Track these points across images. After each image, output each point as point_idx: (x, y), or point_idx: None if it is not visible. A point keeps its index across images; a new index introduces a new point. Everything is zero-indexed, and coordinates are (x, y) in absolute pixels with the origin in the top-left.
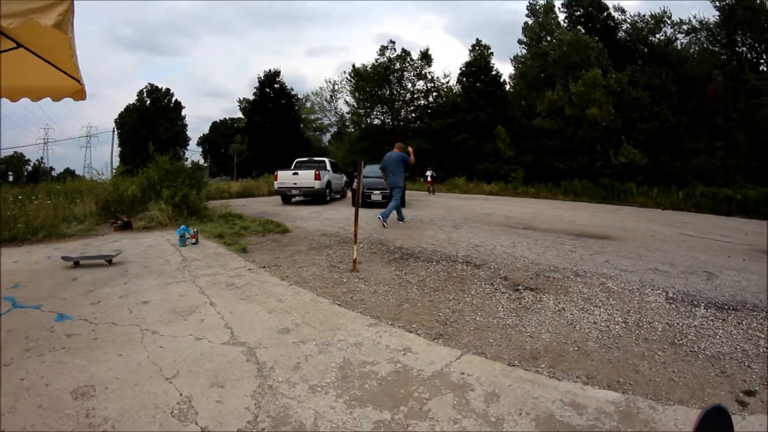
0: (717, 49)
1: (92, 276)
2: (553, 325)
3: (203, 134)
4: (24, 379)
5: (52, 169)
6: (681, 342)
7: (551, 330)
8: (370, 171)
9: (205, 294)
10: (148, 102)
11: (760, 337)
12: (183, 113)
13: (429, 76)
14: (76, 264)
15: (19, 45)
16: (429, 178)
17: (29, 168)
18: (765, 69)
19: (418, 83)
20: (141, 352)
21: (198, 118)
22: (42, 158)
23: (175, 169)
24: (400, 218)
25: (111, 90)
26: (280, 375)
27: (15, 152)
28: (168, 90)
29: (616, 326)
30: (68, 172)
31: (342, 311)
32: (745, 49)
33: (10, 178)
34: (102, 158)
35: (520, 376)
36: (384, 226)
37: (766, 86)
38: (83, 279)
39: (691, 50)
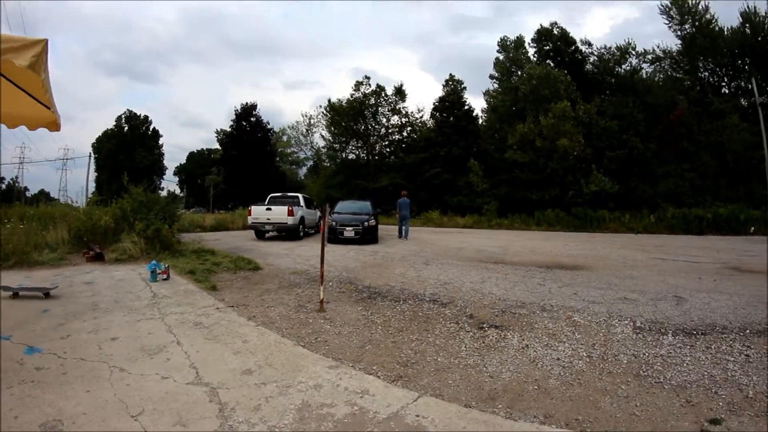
0: (680, 75)
1: (63, 308)
2: (514, 364)
3: (180, 164)
4: None
5: (26, 189)
6: (646, 373)
7: (512, 369)
8: (344, 207)
9: (172, 333)
10: (126, 128)
11: (729, 360)
12: (160, 141)
13: (403, 111)
14: (15, 295)
15: None
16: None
17: (3, 186)
18: (727, 91)
19: (392, 118)
20: (108, 389)
21: (175, 147)
22: (17, 177)
23: (149, 200)
24: (406, 236)
25: (90, 113)
26: (240, 416)
27: None
28: (146, 117)
29: (580, 361)
30: (43, 194)
31: (305, 353)
32: (707, 74)
33: None
34: (78, 182)
35: (475, 417)
36: (405, 238)
37: (728, 108)
38: (55, 311)
39: (656, 78)
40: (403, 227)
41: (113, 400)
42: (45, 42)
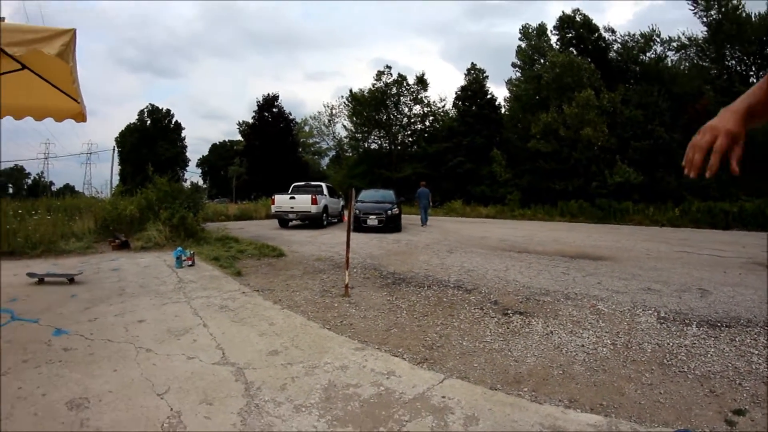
0: (706, 64)
1: (90, 293)
2: (539, 349)
3: (203, 156)
4: (21, 388)
5: (52, 184)
6: (670, 362)
7: (537, 354)
8: (367, 196)
9: (198, 315)
10: (149, 122)
11: (753, 353)
12: (183, 134)
13: (425, 101)
14: (41, 281)
15: (24, 66)
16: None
17: (29, 182)
18: (754, 81)
19: (414, 108)
20: (135, 368)
21: (198, 140)
22: (42, 173)
23: (173, 190)
24: (424, 223)
25: (112, 108)
26: (266, 394)
27: (15, 165)
28: (168, 111)
29: (604, 348)
30: (68, 188)
31: (331, 335)
32: (734, 62)
33: (10, 191)
34: (102, 176)
35: (501, 399)
36: (424, 225)
37: None
38: (82, 296)
39: (681, 67)
40: (424, 215)
41: (139, 379)
42: (73, 32)
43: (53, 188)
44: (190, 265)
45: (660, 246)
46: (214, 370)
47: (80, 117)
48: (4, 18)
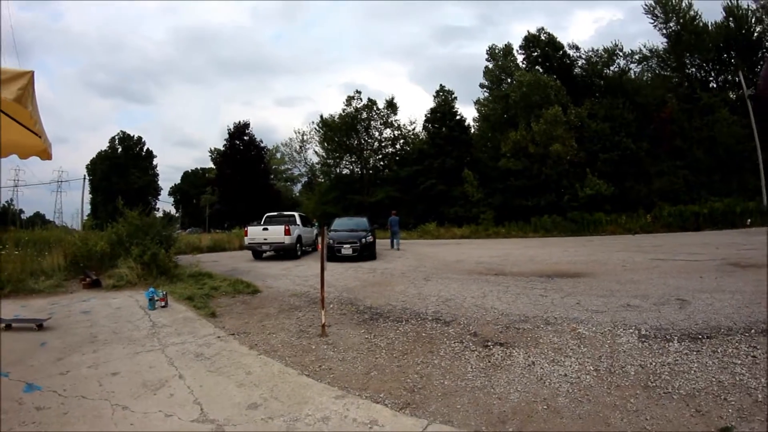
0: (668, 73)
1: (61, 341)
2: (522, 383)
3: (175, 184)
4: None
5: (22, 211)
6: (654, 384)
7: (520, 388)
8: (341, 224)
9: (174, 365)
10: (120, 149)
11: (736, 363)
12: (154, 162)
13: (395, 124)
14: (8, 326)
15: None
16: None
17: None
18: (715, 86)
19: (385, 131)
20: (111, 429)
21: (170, 167)
22: (12, 200)
23: (144, 224)
24: (398, 247)
25: (84, 135)
26: None
27: None
28: (140, 138)
29: (587, 376)
30: (38, 216)
31: (310, 382)
32: (694, 70)
33: None
34: (73, 203)
35: None
36: (398, 249)
37: (717, 102)
38: (53, 344)
39: (645, 78)
40: (395, 240)
41: None
42: (31, 74)
43: (23, 216)
44: (163, 306)
45: (635, 256)
46: (193, 429)
47: (45, 154)
48: None
